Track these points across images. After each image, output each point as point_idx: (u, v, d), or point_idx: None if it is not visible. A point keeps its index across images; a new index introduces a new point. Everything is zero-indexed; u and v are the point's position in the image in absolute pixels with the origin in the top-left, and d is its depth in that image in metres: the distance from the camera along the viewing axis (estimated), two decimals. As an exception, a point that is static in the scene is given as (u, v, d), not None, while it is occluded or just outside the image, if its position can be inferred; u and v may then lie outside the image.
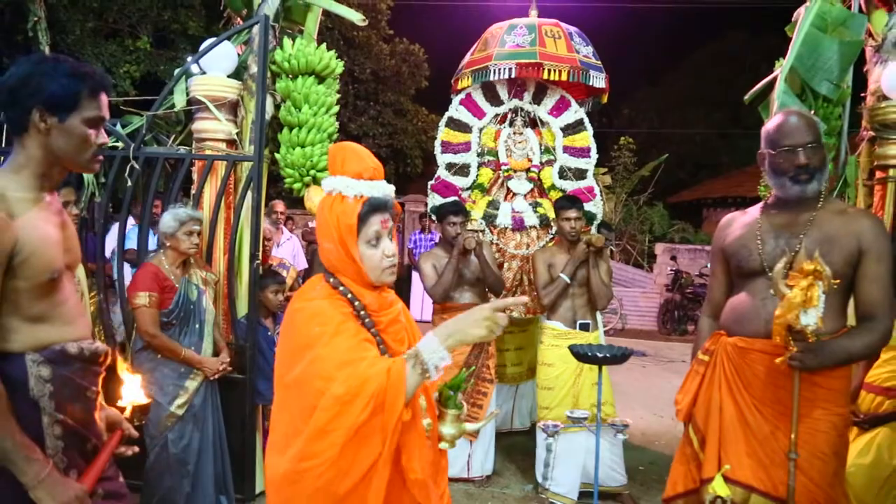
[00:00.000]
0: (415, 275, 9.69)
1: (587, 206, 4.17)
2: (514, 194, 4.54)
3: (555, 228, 4.22)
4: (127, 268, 3.74)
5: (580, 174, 4.49)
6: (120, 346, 3.44)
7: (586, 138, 4.53)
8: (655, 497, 3.65)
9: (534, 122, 4.68)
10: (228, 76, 3.41)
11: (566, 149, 4.53)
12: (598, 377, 3.17)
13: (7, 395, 1.36)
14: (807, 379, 1.90)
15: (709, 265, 3.23)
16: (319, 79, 3.47)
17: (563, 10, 5.30)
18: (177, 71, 3.49)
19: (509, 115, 4.67)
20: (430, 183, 4.54)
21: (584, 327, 3.75)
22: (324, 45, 3.47)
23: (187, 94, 3.39)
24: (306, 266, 6.42)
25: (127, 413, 1.58)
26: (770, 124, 2.09)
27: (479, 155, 4.58)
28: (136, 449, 1.63)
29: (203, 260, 3.30)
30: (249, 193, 3.33)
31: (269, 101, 3.41)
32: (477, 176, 4.54)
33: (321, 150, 3.41)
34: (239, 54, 3.47)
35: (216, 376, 3.07)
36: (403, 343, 1.53)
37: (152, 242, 3.65)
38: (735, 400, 2.03)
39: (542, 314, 3.91)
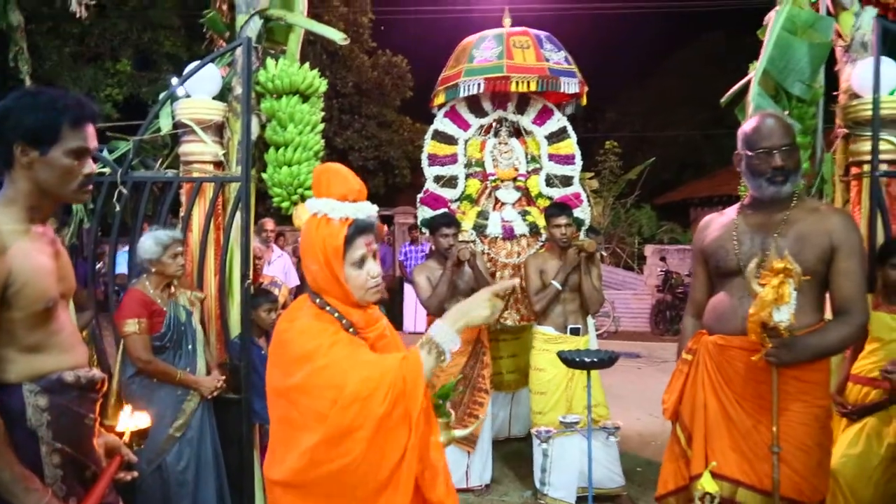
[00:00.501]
0: (407, 287, 9.70)
1: (575, 212, 4.22)
2: (503, 204, 4.59)
3: (545, 236, 4.27)
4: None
5: (566, 181, 4.55)
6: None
7: (570, 146, 4.59)
8: (653, 498, 3.68)
9: (518, 132, 4.73)
10: (213, 98, 3.44)
11: (551, 157, 4.59)
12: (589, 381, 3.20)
13: (5, 426, 1.38)
14: (784, 373, 1.95)
15: (694, 266, 3.28)
16: (304, 98, 3.50)
17: (541, 17, 5.38)
18: (162, 95, 3.52)
19: (494, 126, 4.73)
20: (419, 196, 4.58)
21: (576, 332, 3.80)
22: (307, 65, 3.51)
23: (173, 118, 3.41)
24: (298, 283, 6.42)
25: (126, 438, 1.59)
26: (746, 126, 2.15)
27: (466, 166, 4.63)
28: (136, 474, 1.64)
29: (190, 280, 3.31)
30: (238, 214, 3.35)
31: (254, 121, 3.44)
32: (465, 187, 4.59)
33: (308, 168, 3.44)
34: (223, 76, 3.51)
35: (214, 395, 3.08)
36: None
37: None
38: (718, 397, 2.08)
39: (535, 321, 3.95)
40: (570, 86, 4.43)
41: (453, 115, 4.64)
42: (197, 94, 3.39)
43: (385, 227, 11.22)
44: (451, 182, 4.56)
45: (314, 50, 12.50)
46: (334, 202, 1.47)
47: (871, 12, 3.14)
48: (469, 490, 3.91)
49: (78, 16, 3.92)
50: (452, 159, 4.58)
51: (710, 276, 2.25)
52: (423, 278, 3.93)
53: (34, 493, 1.38)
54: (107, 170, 3.43)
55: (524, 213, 4.51)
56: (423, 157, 4.64)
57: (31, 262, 1.45)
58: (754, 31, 3.44)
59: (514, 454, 4.48)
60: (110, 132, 3.78)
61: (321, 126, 3.61)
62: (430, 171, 4.58)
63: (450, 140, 4.62)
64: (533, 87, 4.33)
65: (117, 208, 3.40)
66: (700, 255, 2.28)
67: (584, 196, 4.60)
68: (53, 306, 1.48)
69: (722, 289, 2.17)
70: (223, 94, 3.49)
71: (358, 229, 1.47)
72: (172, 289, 3.08)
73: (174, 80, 3.56)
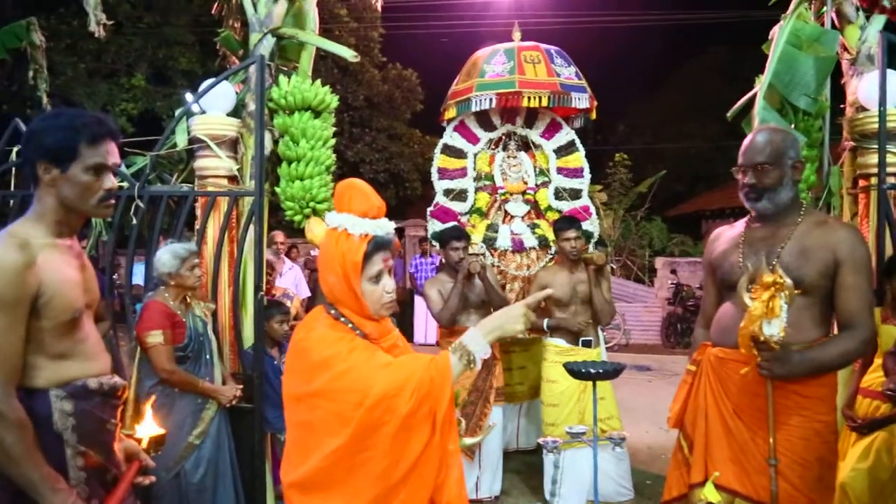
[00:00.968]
0: (417, 299, 9.73)
1: (584, 225, 4.25)
2: (512, 217, 4.63)
3: (554, 249, 4.31)
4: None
5: (575, 194, 4.58)
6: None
7: (579, 159, 4.63)
8: (663, 510, 3.67)
9: (527, 146, 4.79)
10: (227, 114, 3.52)
11: (560, 170, 4.64)
12: (599, 392, 3.22)
13: (33, 429, 1.44)
14: (782, 387, 1.94)
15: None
16: (315, 113, 3.58)
17: (551, 31, 5.45)
18: (178, 111, 3.60)
19: (503, 140, 4.78)
20: (430, 209, 4.63)
21: (587, 344, 3.82)
22: (318, 82, 3.59)
23: (188, 134, 3.50)
24: (309, 294, 6.49)
25: (144, 444, 1.65)
26: (745, 140, 2.19)
27: (475, 180, 4.69)
28: (154, 479, 1.70)
29: (204, 292, 3.37)
30: (252, 227, 3.42)
31: (267, 136, 3.52)
32: (475, 200, 4.64)
33: (320, 183, 3.51)
34: (237, 93, 3.59)
35: (232, 403, 3.14)
36: None
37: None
38: (718, 408, 2.09)
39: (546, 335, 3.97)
40: (581, 101, 4.49)
41: (462, 129, 4.70)
42: (212, 110, 3.48)
43: (400, 243, 11.28)
44: (460, 195, 4.61)
45: (325, 64, 12.66)
46: (355, 218, 1.51)
47: (876, 25, 3.17)
48: (479, 501, 3.92)
49: (95, 35, 4.03)
50: (462, 173, 4.64)
51: (719, 288, 2.27)
52: (434, 291, 3.98)
53: (60, 492, 1.44)
54: (125, 184, 3.52)
55: (533, 226, 4.55)
56: (433, 170, 4.70)
57: (60, 274, 1.52)
58: (759, 45, 3.47)
59: (524, 466, 4.49)
60: (127, 148, 3.87)
61: (333, 141, 3.68)
62: (439, 185, 4.63)
63: (459, 154, 4.68)
64: (545, 103, 4.39)
65: (134, 221, 3.48)
66: (709, 267, 2.30)
67: (592, 209, 4.63)
68: (79, 316, 1.55)
69: (727, 301, 2.18)
70: (237, 111, 3.57)
71: (376, 246, 1.51)
72: (188, 300, 3.14)
73: (189, 97, 3.65)
